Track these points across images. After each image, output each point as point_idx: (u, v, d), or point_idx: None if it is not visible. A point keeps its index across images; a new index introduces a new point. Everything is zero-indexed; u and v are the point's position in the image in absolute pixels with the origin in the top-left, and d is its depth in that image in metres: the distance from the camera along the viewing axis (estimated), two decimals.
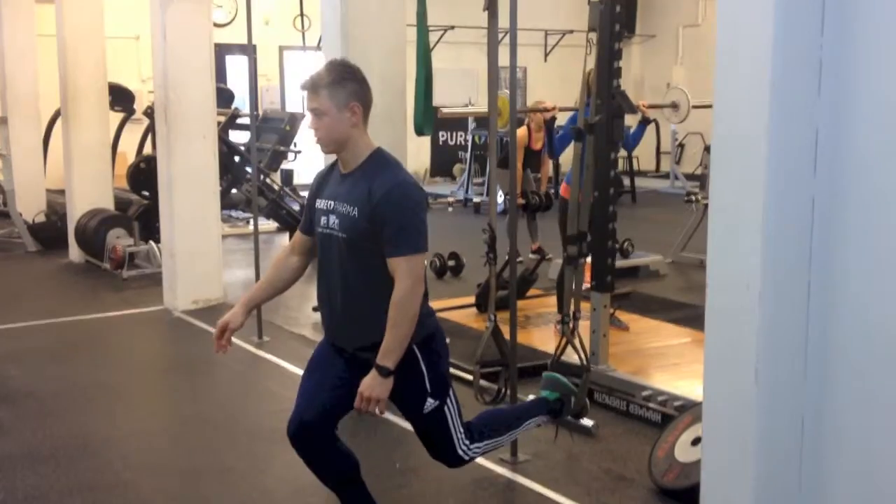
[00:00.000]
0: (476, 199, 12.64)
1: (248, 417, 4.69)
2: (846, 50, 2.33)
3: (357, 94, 2.86)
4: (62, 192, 9.48)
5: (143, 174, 8.88)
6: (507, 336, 4.09)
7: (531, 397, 3.91)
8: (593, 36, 4.54)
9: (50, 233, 9.73)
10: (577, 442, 4.15)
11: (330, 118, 2.83)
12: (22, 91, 10.31)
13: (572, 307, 4.10)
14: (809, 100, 2.38)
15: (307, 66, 13.00)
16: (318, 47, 7.19)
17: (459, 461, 3.16)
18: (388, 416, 4.14)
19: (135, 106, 10.92)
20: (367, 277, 2.87)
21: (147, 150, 10.69)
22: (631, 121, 5.65)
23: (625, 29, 4.80)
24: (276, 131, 10.23)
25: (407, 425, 3.35)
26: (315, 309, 5.50)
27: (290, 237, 8.18)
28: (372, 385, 2.80)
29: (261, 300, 3.20)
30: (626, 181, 13.28)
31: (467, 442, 3.12)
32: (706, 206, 4.51)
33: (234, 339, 3.06)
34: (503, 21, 3.94)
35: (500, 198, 8.46)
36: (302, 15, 9.22)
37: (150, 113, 9.48)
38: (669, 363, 5.26)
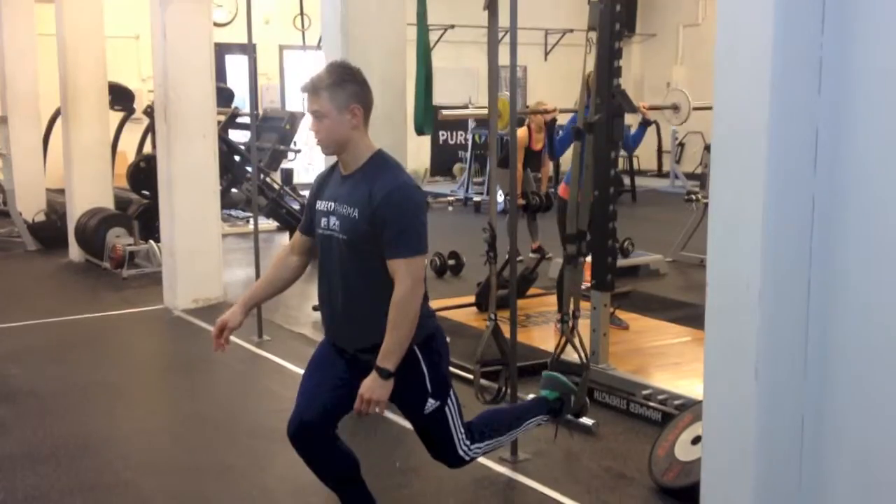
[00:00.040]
0: (476, 199, 12.64)
1: (248, 416, 4.69)
2: (846, 50, 2.33)
3: (357, 95, 2.85)
4: (62, 191, 9.48)
5: (143, 173, 8.88)
6: (507, 335, 4.09)
7: (531, 396, 3.91)
8: (593, 35, 4.53)
9: (50, 232, 9.72)
10: (578, 441, 4.15)
11: (330, 120, 2.83)
12: (22, 90, 10.31)
13: (572, 306, 4.10)
14: (809, 99, 2.38)
15: (307, 66, 13.02)
16: (319, 47, 7.19)
17: (460, 461, 3.16)
18: (388, 415, 4.15)
19: (135, 105, 10.92)
20: (367, 279, 2.87)
21: (147, 149, 10.69)
22: (631, 122, 5.66)
23: (625, 28, 4.79)
24: (276, 130, 10.21)
25: (407, 424, 3.35)
26: (315, 308, 5.51)
27: (290, 236, 8.20)
28: (372, 387, 2.80)
29: (260, 299, 3.20)
30: (627, 180, 13.27)
31: (468, 442, 3.13)
32: (706, 205, 4.50)
33: (234, 339, 3.07)
34: (503, 20, 3.95)
35: (501, 197, 8.46)
36: (302, 14, 9.22)
37: (149, 112, 9.49)
38: (669, 362, 5.25)
